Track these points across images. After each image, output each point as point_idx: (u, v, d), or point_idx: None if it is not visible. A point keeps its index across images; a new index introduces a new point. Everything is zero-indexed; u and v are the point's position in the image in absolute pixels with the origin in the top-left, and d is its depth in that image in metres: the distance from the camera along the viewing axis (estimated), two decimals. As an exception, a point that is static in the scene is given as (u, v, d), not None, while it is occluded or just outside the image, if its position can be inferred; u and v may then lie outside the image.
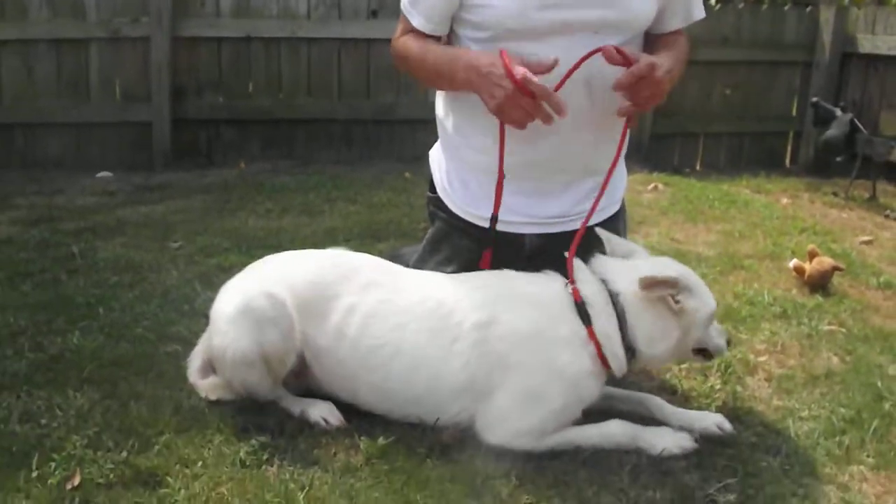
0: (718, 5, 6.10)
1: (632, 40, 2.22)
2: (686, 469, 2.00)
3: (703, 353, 2.17)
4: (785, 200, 4.98)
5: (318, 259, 2.29)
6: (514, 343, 2.04)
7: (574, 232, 2.21)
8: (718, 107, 6.09)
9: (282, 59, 5.49)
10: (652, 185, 5.02)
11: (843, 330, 2.88)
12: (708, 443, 2.09)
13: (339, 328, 2.12)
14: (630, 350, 2.06)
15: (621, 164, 2.40)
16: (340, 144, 5.58)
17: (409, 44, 2.26)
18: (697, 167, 6.13)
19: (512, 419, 2.03)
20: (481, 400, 2.04)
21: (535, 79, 1.97)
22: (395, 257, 2.85)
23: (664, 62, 2.08)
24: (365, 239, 3.61)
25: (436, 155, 2.48)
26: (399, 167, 5.00)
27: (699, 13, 2.33)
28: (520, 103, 1.98)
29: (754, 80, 6.18)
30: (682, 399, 2.34)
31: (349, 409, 2.15)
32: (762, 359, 2.64)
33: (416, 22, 2.23)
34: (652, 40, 2.32)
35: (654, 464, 2.01)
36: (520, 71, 1.97)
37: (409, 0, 2.24)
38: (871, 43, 5.93)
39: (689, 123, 6.16)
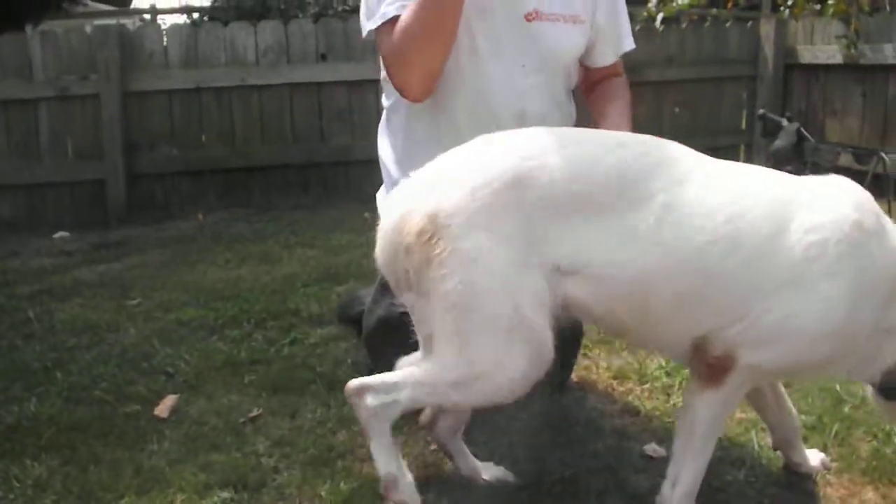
0: (662, 27, 6.20)
1: (559, 72, 2.27)
2: (652, 490, 2.00)
3: None
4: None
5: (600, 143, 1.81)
6: None
7: None
8: (669, 125, 6.14)
9: (233, 107, 5.50)
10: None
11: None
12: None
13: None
14: None
15: None
16: (297, 190, 5.57)
17: (394, 29, 2.13)
18: None
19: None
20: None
21: None
22: (352, 300, 2.85)
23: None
24: (324, 283, 3.60)
25: (381, 198, 2.49)
26: (358, 208, 4.93)
27: (629, 44, 2.38)
28: None
29: (702, 96, 6.28)
30: (647, 419, 2.35)
31: (306, 461, 2.14)
32: (723, 373, 2.66)
33: (394, 9, 2.11)
34: (592, 79, 2.40)
35: (620, 487, 2.01)
36: None
37: (380, 17, 2.13)
38: (811, 53, 6.07)
39: (643, 144, 6.19)
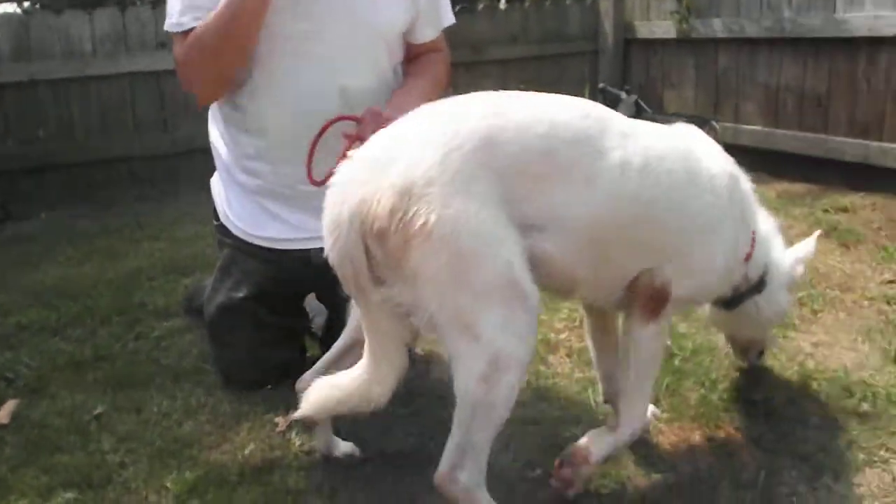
0: (505, 5, 6.32)
1: (382, 47, 2.31)
2: (499, 451, 2.07)
3: None
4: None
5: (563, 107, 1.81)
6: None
7: None
8: None
9: (71, 99, 5.28)
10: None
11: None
12: (516, 423, 2.14)
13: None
14: None
15: None
16: (143, 182, 5.41)
17: (189, 39, 2.19)
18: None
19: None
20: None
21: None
22: (198, 290, 2.84)
23: (393, 105, 2.13)
24: (171, 275, 3.54)
25: (215, 183, 2.49)
26: (204, 198, 4.82)
27: (449, 20, 2.45)
28: None
29: (545, 73, 6.42)
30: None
31: (152, 454, 2.13)
32: (563, 336, 2.77)
33: (188, 19, 2.18)
34: (412, 54, 2.45)
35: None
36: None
37: (172, 19, 2.21)
38: (648, 28, 6.32)
39: (489, 121, 6.32)
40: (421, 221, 1.52)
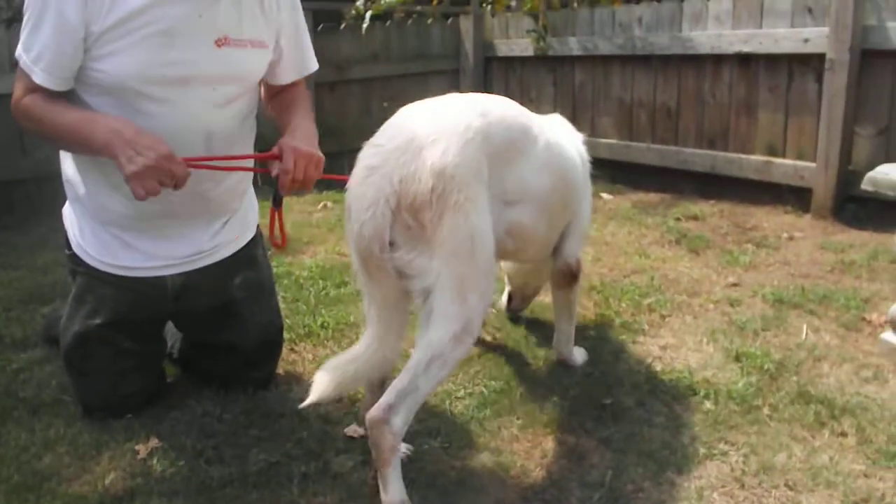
0: (366, 24, 6.39)
1: (245, 92, 2.35)
2: (355, 468, 2.12)
3: None
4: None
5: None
6: None
7: (214, 264, 2.38)
8: (378, 120, 6.19)
9: (-82, 123, 5.06)
10: (322, 204, 5.19)
11: (493, 310, 3.15)
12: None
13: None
14: None
15: (251, 195, 2.60)
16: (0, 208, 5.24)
17: (37, 102, 2.15)
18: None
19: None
20: None
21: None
22: (57, 319, 2.76)
23: (299, 140, 2.23)
24: (29, 304, 3.43)
25: (67, 212, 2.45)
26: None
27: (312, 66, 2.52)
28: (156, 175, 1.98)
29: (408, 90, 6.47)
30: (350, 403, 2.46)
31: (9, 489, 2.08)
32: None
33: (41, 79, 2.12)
34: (274, 91, 2.51)
35: (324, 469, 2.11)
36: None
37: (30, 57, 2.13)
38: (507, 47, 6.52)
39: (353, 139, 6.27)
40: (454, 199, 1.82)
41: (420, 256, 1.86)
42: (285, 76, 2.47)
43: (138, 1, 2.07)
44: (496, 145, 2.01)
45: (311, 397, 1.96)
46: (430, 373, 1.84)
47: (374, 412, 1.82)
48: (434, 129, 1.90)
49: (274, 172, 2.20)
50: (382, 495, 1.85)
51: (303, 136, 2.25)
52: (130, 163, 1.96)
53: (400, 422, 1.81)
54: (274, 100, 2.52)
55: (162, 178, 1.98)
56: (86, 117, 2.10)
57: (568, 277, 2.59)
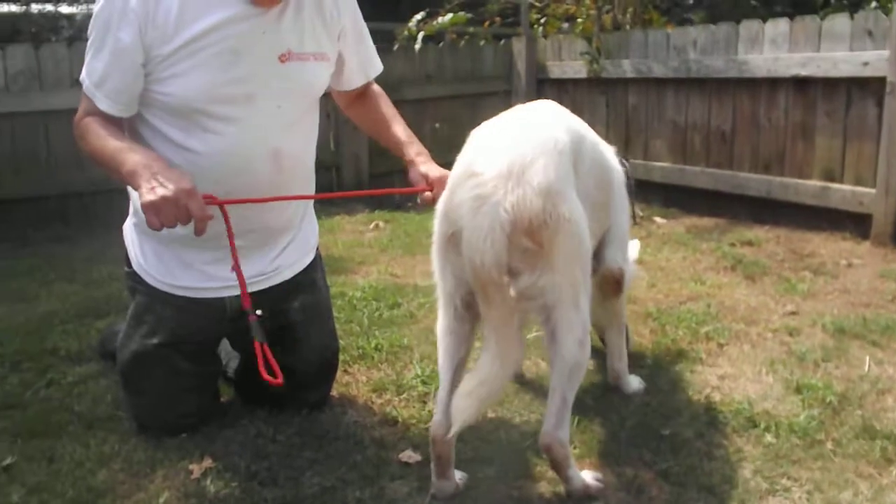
0: (420, 46, 6.42)
1: (309, 108, 2.38)
2: (409, 494, 2.10)
3: None
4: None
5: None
6: None
7: (273, 287, 2.37)
8: (430, 141, 6.24)
9: (-18, 137, 5.17)
10: (373, 224, 5.19)
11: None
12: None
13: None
14: None
15: (311, 217, 2.59)
16: (56, 222, 5.31)
17: (91, 126, 2.18)
18: (418, 201, 6.35)
19: None
20: None
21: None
22: (112, 334, 2.80)
23: (431, 163, 2.41)
24: (84, 318, 3.48)
25: (129, 230, 2.47)
26: (120, 238, 4.79)
27: (377, 69, 2.58)
28: (173, 208, 1.95)
29: (460, 112, 6.54)
30: (404, 428, 2.45)
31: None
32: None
33: (105, 105, 2.17)
34: (350, 98, 2.59)
35: (379, 495, 2.09)
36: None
37: (92, 81, 2.17)
38: (560, 69, 6.51)
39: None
40: (565, 213, 1.88)
41: (543, 276, 1.91)
42: (354, 80, 2.51)
43: (204, 23, 2.09)
44: (574, 152, 2.08)
45: (458, 424, 1.95)
46: (572, 383, 1.99)
47: (544, 439, 2.00)
48: (528, 148, 1.92)
49: (420, 201, 2.38)
50: (571, 487, 2.06)
51: (427, 156, 2.41)
52: (149, 192, 1.94)
53: (565, 434, 2.00)
54: (353, 107, 2.59)
55: (178, 214, 1.95)
56: (124, 147, 2.11)
57: (612, 284, 2.57)
